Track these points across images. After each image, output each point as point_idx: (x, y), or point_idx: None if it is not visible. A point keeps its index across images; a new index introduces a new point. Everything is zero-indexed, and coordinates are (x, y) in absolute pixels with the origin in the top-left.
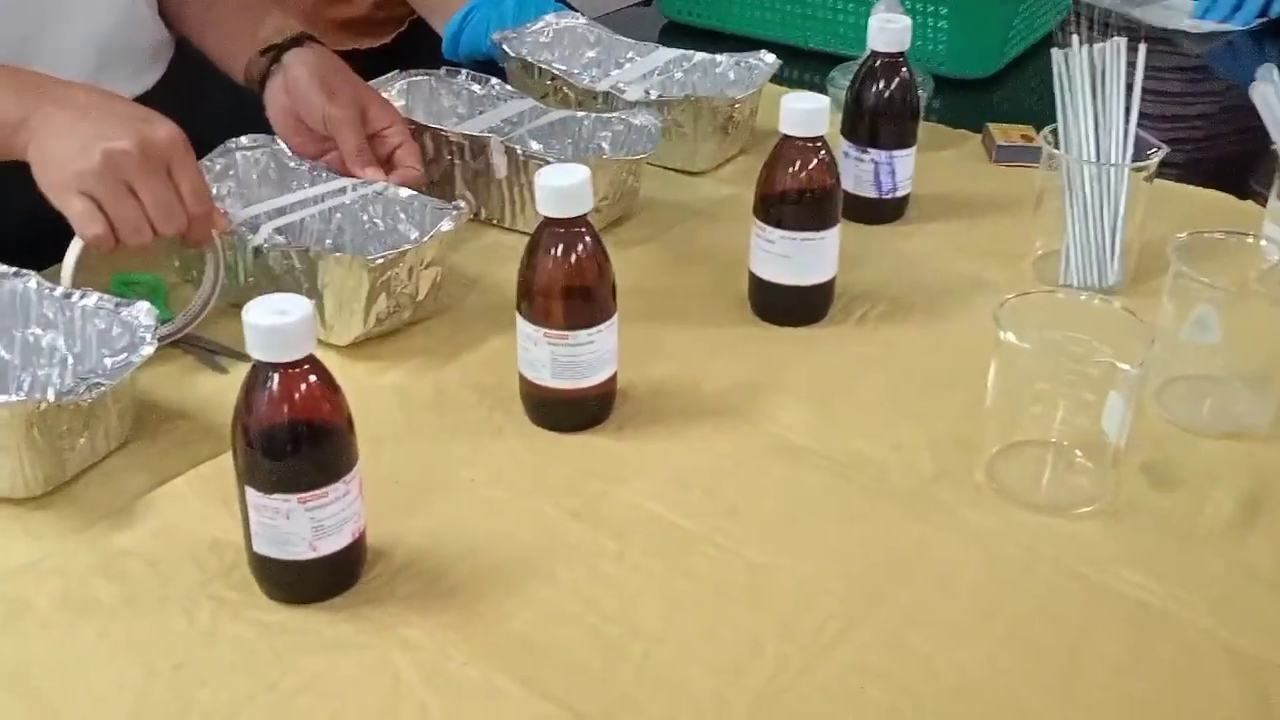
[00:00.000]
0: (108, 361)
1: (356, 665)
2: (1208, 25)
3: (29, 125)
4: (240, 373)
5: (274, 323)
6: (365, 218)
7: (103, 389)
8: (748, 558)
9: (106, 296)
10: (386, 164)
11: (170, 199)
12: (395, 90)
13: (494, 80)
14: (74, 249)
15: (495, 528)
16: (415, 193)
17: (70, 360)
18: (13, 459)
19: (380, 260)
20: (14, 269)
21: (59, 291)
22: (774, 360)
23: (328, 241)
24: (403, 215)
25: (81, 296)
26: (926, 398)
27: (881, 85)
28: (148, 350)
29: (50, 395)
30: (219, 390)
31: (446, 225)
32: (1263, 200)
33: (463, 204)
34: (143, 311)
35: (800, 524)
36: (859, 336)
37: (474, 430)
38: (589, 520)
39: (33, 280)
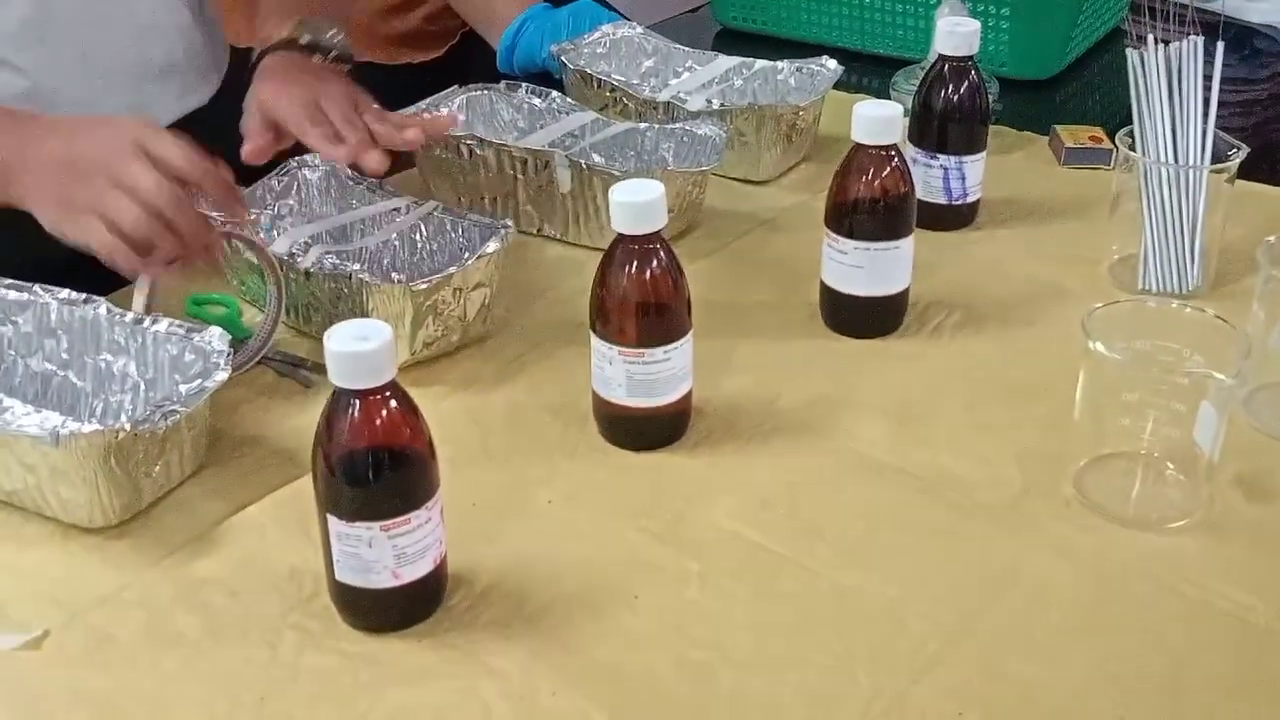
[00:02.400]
0: (182, 388)
1: (443, 695)
2: None
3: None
4: (323, 390)
5: (355, 349)
6: (418, 238)
7: (178, 416)
8: (835, 579)
9: (178, 322)
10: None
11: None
12: (455, 105)
13: (554, 93)
14: (141, 277)
15: (575, 551)
16: (466, 213)
17: (142, 387)
18: (90, 489)
19: (425, 285)
20: (84, 295)
21: (129, 317)
22: (849, 373)
23: (385, 261)
24: (452, 234)
25: (153, 322)
26: (1009, 409)
27: (950, 89)
28: (222, 376)
29: (126, 424)
30: (293, 414)
31: (493, 246)
32: None
33: (509, 223)
34: (215, 336)
35: (887, 543)
36: (935, 347)
37: (549, 450)
38: (670, 542)
39: (103, 306)
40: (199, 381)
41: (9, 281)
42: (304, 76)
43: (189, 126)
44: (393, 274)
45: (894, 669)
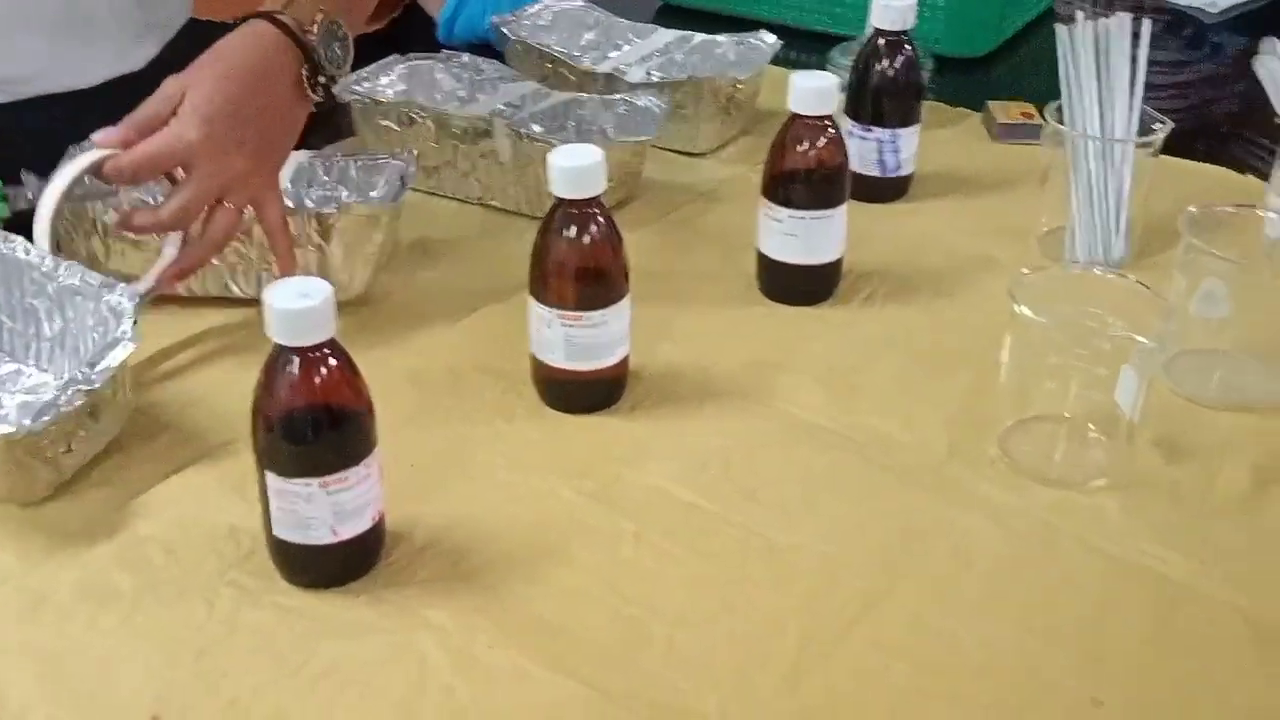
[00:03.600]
0: (86, 369)
1: (381, 649)
2: (1225, 2)
3: None
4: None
5: (296, 306)
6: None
7: (83, 399)
8: (768, 538)
9: (91, 274)
10: None
11: None
12: (396, 74)
13: (494, 63)
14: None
15: (513, 511)
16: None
17: (63, 336)
18: (5, 478)
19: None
20: (2, 233)
21: (48, 263)
22: (784, 340)
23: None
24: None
25: (66, 271)
26: (937, 375)
27: (885, 63)
28: (125, 351)
29: (26, 421)
30: (229, 374)
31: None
32: (1260, 174)
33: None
34: (125, 296)
35: (819, 503)
36: (867, 315)
37: (488, 414)
38: (607, 502)
39: (20, 248)
40: (106, 358)
41: None
42: (241, 105)
43: (117, 92)
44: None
45: (824, 622)
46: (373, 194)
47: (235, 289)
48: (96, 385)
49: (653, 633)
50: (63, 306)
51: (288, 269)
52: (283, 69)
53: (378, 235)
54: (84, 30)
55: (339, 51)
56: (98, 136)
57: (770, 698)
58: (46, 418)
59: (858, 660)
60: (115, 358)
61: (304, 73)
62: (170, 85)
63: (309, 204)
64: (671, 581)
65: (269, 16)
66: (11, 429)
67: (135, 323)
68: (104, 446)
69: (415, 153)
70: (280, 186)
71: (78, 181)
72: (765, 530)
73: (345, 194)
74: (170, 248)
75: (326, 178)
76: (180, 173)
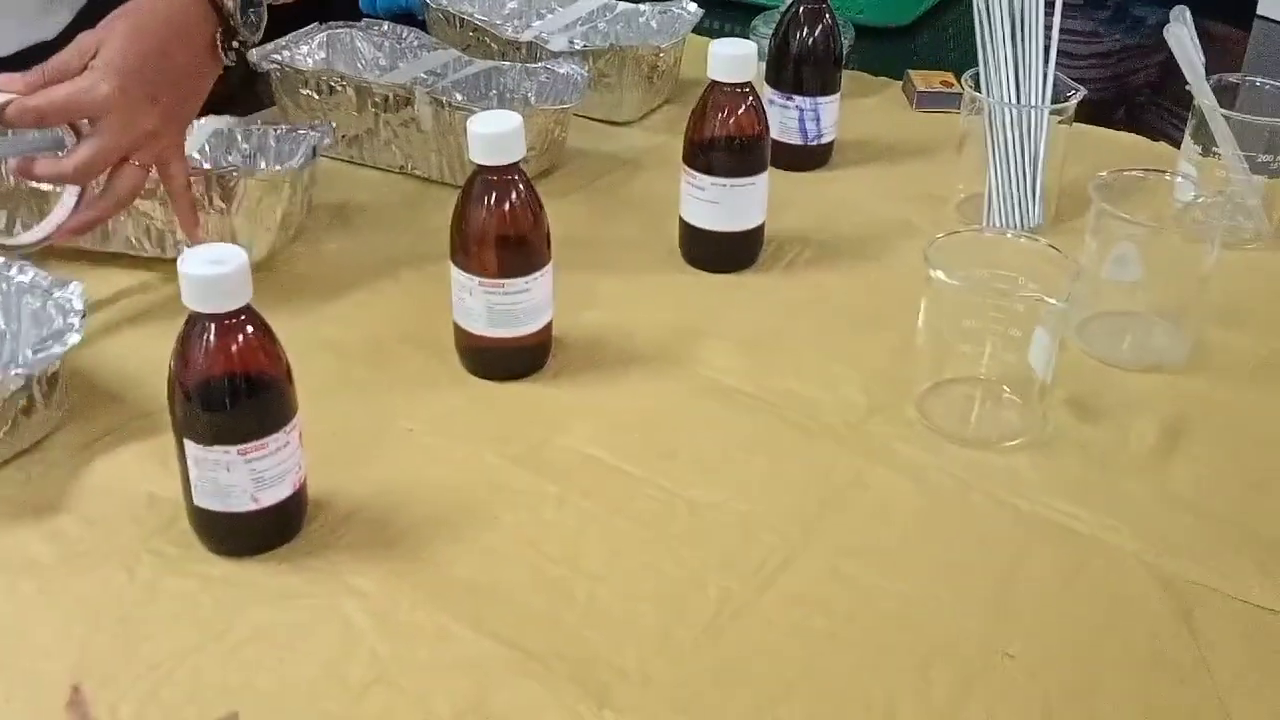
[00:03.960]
0: (29, 352)
1: (304, 614)
2: None
3: None
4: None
5: (210, 273)
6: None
7: (20, 381)
8: (688, 497)
9: (43, 273)
10: None
11: None
12: (315, 43)
13: (415, 31)
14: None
15: (436, 476)
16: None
17: (8, 337)
18: None
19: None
20: None
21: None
22: (705, 306)
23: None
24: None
25: (19, 271)
26: (857, 338)
27: (805, 32)
28: (74, 339)
29: None
30: (142, 343)
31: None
32: (1174, 142)
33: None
34: (74, 295)
35: (738, 463)
36: (788, 281)
37: (410, 382)
38: (530, 466)
39: None
40: (50, 342)
41: None
42: (155, 62)
43: (30, 62)
44: None
45: (743, 578)
46: (289, 163)
47: (141, 247)
48: (34, 370)
49: (575, 591)
50: (8, 307)
51: (190, 230)
52: (197, 30)
53: (280, 202)
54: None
55: (253, 17)
56: None
57: (690, 651)
58: None
59: (776, 613)
60: (60, 345)
61: (218, 36)
62: (84, 39)
63: (206, 166)
64: (593, 541)
65: None
66: None
67: (84, 316)
68: (37, 440)
69: (334, 125)
70: (186, 149)
71: None
72: (685, 490)
73: (262, 163)
74: (70, 197)
75: (246, 145)
76: (85, 125)
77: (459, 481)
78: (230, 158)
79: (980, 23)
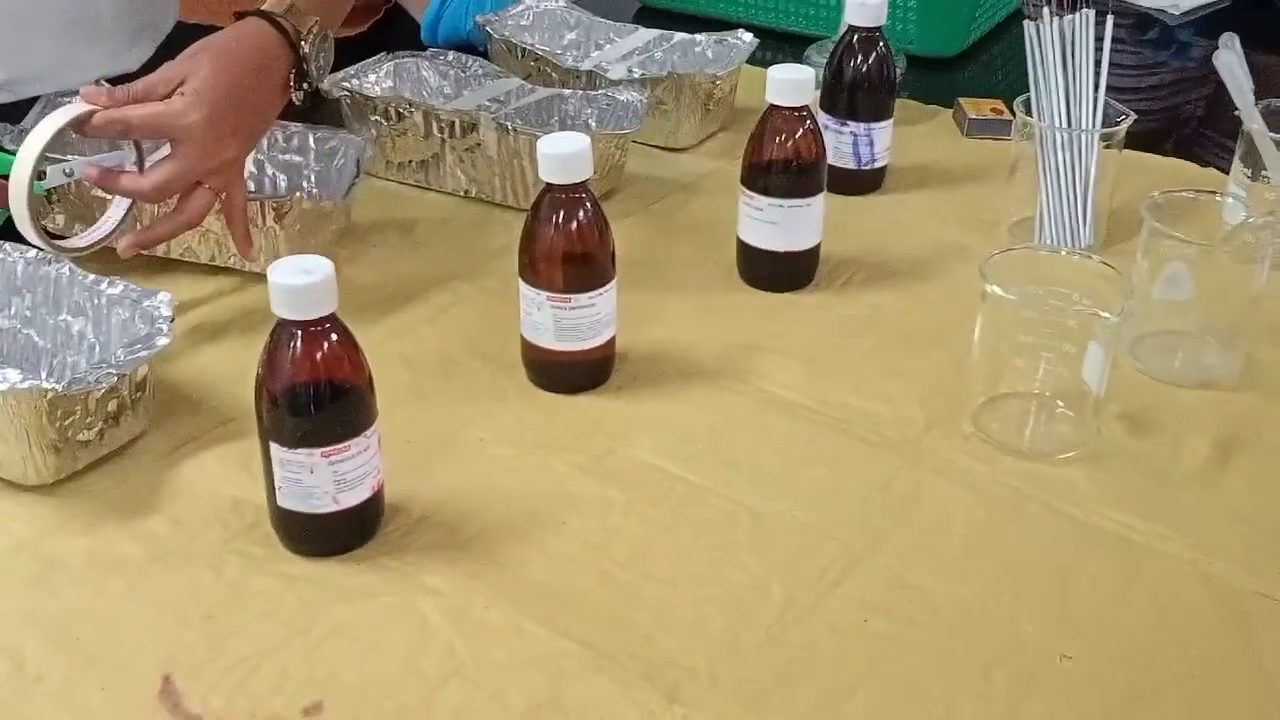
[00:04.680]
0: (120, 352)
1: (383, 612)
2: (1187, 3)
3: None
4: (261, 326)
5: (299, 282)
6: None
7: (113, 378)
8: (751, 507)
9: (132, 285)
10: None
11: None
12: (383, 71)
13: (479, 60)
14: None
15: (506, 483)
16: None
17: (97, 349)
18: (23, 446)
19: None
20: (50, 256)
21: (90, 279)
22: (764, 324)
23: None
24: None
25: (109, 285)
26: (912, 356)
27: (860, 59)
28: (163, 342)
29: (58, 384)
30: (223, 354)
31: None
32: (1222, 170)
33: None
34: (163, 303)
35: (799, 474)
36: (844, 300)
37: (479, 394)
38: (596, 475)
39: (66, 267)
40: (139, 346)
41: None
42: (239, 96)
43: None
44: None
45: (806, 583)
46: (334, 162)
47: (196, 255)
48: (125, 370)
49: (643, 594)
50: (98, 320)
51: (245, 250)
52: (275, 67)
53: (331, 226)
54: (88, 31)
55: (323, 60)
56: (85, 90)
57: (756, 652)
58: (78, 386)
59: (838, 617)
60: (148, 349)
61: (291, 75)
62: (171, 68)
63: (270, 173)
64: (660, 547)
65: (268, 17)
66: (48, 386)
67: (172, 321)
68: (122, 444)
69: (373, 134)
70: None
71: (64, 131)
72: (748, 500)
73: (304, 161)
74: (118, 208)
75: (286, 145)
76: (149, 147)
77: (528, 489)
78: (273, 154)
79: (1031, 48)
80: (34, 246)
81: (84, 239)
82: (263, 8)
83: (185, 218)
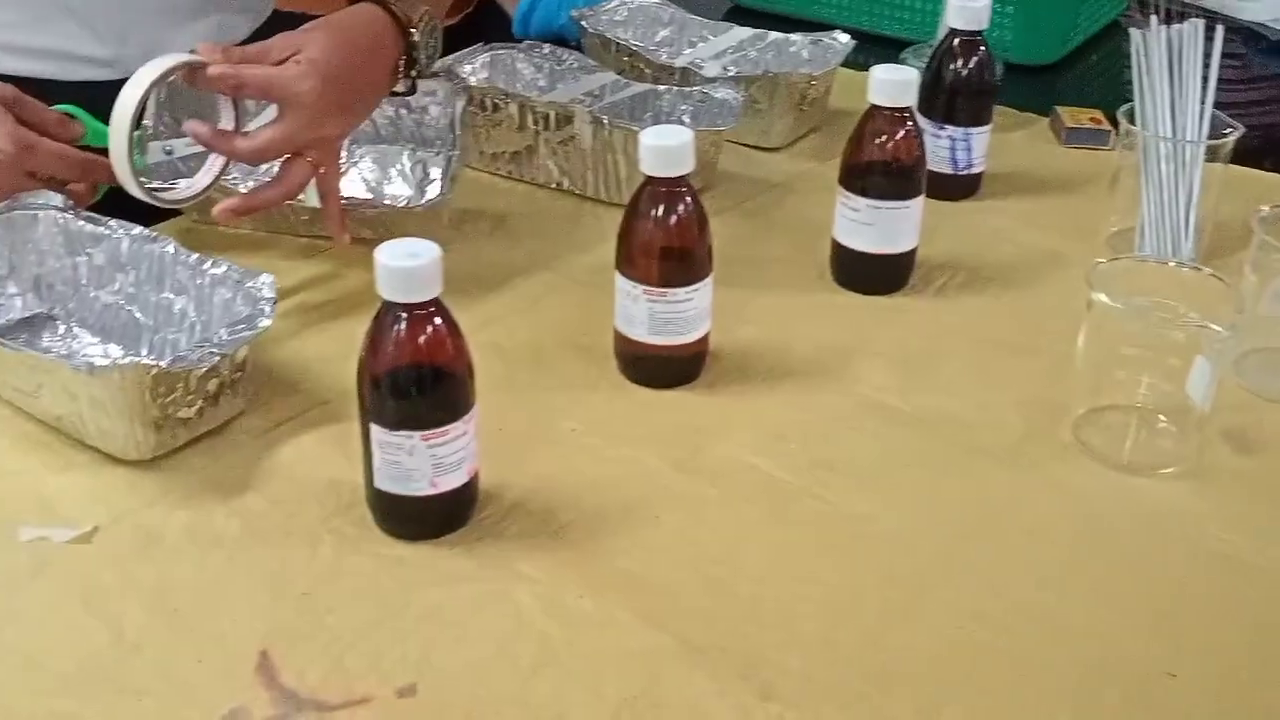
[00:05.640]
0: (223, 332)
1: (477, 596)
2: None
3: None
4: (358, 311)
5: (405, 265)
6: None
7: (215, 358)
8: (845, 508)
9: (235, 266)
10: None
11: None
12: (479, 62)
13: (574, 54)
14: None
15: (598, 474)
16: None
17: (198, 328)
18: (125, 421)
19: None
20: (154, 233)
21: (193, 258)
22: (858, 325)
23: None
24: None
25: (212, 265)
26: (1009, 363)
27: (960, 63)
28: (265, 323)
29: (161, 361)
30: (315, 337)
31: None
32: None
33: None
34: (266, 285)
35: (894, 477)
36: (939, 305)
37: (570, 384)
38: (689, 470)
39: (170, 245)
40: (242, 327)
41: (88, 214)
42: (352, 74)
43: None
44: None
45: (902, 588)
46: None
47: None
48: (228, 350)
49: (737, 591)
50: (201, 300)
51: (338, 233)
52: (387, 52)
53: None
54: (188, 13)
55: (431, 48)
56: (201, 46)
57: (851, 654)
58: (181, 364)
59: (935, 623)
60: (250, 329)
61: (401, 62)
62: (285, 37)
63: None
64: (753, 545)
65: (381, 3)
66: (151, 362)
67: (274, 303)
68: (220, 423)
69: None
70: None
71: (169, 74)
72: (842, 501)
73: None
74: (212, 165)
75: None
76: (251, 108)
77: (620, 481)
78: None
79: (1137, 57)
80: (124, 189)
81: (182, 191)
82: None
83: (284, 188)
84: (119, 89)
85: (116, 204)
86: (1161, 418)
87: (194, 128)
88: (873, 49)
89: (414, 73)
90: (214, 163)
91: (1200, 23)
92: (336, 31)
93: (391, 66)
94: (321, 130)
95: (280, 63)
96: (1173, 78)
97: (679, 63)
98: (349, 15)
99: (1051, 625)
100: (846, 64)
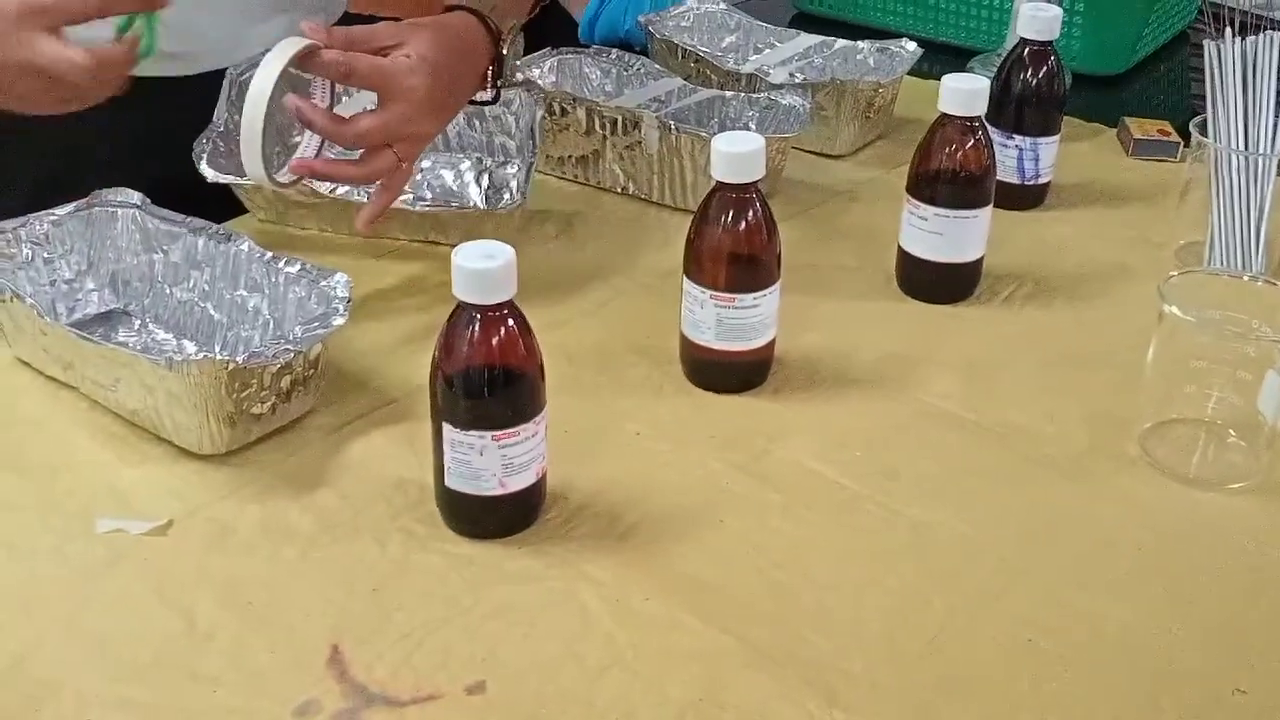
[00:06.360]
0: (298, 329)
1: (544, 596)
2: None
3: None
4: (433, 309)
5: (481, 266)
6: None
7: (290, 354)
8: (909, 516)
9: (310, 264)
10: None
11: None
12: (546, 66)
13: (641, 59)
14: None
15: (663, 478)
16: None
17: (271, 325)
18: (200, 415)
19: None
20: (230, 231)
21: (268, 256)
22: (923, 334)
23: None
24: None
25: (287, 263)
26: (1076, 374)
27: (1029, 73)
28: (339, 321)
29: (238, 357)
30: (384, 337)
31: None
32: None
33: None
34: (340, 284)
35: (959, 486)
36: (1006, 315)
37: (635, 387)
38: (753, 475)
39: (245, 243)
40: (316, 325)
41: (164, 212)
42: (453, 75)
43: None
44: None
45: (966, 596)
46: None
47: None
48: (303, 347)
49: (801, 596)
50: (275, 297)
51: (367, 221)
52: (481, 59)
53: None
54: (261, 11)
55: (514, 59)
56: (306, 25)
57: (916, 662)
58: (257, 360)
59: (1000, 632)
60: (324, 327)
61: (490, 70)
62: (389, 28)
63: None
64: (817, 551)
65: (475, 12)
66: (227, 358)
67: (349, 302)
68: (294, 419)
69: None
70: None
71: (293, 61)
72: (906, 508)
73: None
74: (309, 145)
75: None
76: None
77: (684, 484)
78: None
79: (1211, 69)
80: (245, 177)
81: (283, 176)
82: (466, 3)
83: (366, 170)
84: (187, 85)
85: (190, 202)
86: (1231, 432)
87: (293, 102)
88: (935, 57)
89: (500, 83)
90: (310, 142)
91: (1275, 35)
92: (443, 33)
93: (481, 74)
94: (418, 126)
95: (382, 51)
96: (1246, 90)
97: (745, 69)
98: (453, 19)
99: (1118, 638)
100: (911, 72)
